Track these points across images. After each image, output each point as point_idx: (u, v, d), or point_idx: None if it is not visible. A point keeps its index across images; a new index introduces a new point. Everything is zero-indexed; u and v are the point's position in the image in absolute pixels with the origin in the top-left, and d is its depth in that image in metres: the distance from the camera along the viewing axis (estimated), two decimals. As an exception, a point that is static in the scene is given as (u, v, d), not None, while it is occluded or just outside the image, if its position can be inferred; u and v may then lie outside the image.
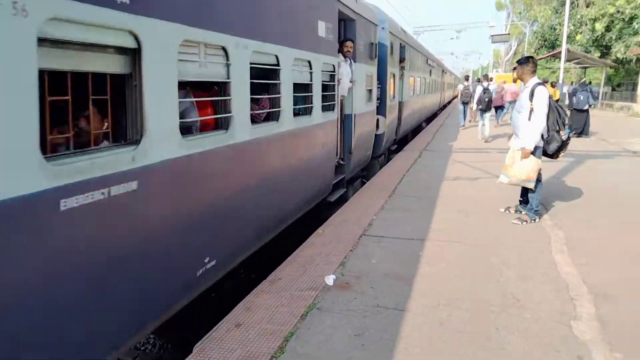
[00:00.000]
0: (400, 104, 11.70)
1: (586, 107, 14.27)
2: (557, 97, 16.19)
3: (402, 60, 11.30)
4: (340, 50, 6.37)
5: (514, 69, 5.65)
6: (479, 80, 16.95)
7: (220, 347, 2.96)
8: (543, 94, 5.11)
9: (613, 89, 34.36)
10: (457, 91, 18.35)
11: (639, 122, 20.13)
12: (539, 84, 5.23)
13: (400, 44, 11.18)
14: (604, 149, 11.86)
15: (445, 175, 8.63)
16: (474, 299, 3.61)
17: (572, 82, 19.56)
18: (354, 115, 6.99)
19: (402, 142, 13.39)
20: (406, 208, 6.38)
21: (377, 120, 9.05)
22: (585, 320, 3.25)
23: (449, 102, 34.26)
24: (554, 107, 5.13)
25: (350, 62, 6.67)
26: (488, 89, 14.02)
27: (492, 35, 31.85)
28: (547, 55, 28.81)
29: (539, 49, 34.86)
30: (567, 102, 16.28)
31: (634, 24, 25.45)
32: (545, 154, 5.29)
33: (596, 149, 11.81)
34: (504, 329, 3.15)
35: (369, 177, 8.74)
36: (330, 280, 3.93)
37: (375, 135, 8.98)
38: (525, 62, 5.39)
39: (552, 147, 5.16)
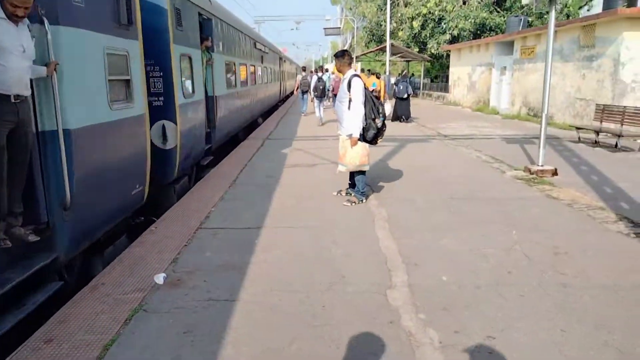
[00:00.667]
0: (213, 100, 8.75)
1: (405, 95, 16.43)
2: (383, 88, 18.07)
3: (206, 38, 8.39)
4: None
5: (334, 55, 5.92)
6: (315, 71, 18.37)
7: (25, 369, 2.60)
8: (359, 84, 5.54)
9: (431, 80, 38.98)
10: (297, 81, 19.44)
11: (451, 109, 23.18)
12: (355, 75, 5.64)
13: (201, 13, 8.04)
14: (423, 133, 13.40)
15: (285, 162, 8.86)
16: (304, 281, 3.76)
17: (398, 74, 21.77)
18: (63, 132, 3.51)
19: (228, 146, 10.74)
20: (245, 197, 6.40)
21: (163, 128, 6.14)
22: (398, 288, 3.63)
23: (292, 93, 35.05)
24: (369, 98, 5.58)
25: (27, 25, 3.28)
26: (322, 79, 15.90)
27: (325, 28, 33.63)
28: (375, 49, 31.42)
29: (368, 42, 37.85)
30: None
31: (442, 24, 29.17)
32: (364, 140, 5.74)
33: (416, 133, 13.29)
34: (330, 306, 3.35)
35: (163, 211, 5.81)
36: (160, 279, 3.74)
37: (161, 152, 6.06)
38: (342, 55, 5.77)
39: (370, 134, 5.62)
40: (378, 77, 17.76)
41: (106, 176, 4.30)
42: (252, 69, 14.20)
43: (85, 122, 3.89)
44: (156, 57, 5.99)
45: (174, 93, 6.26)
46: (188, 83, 7.14)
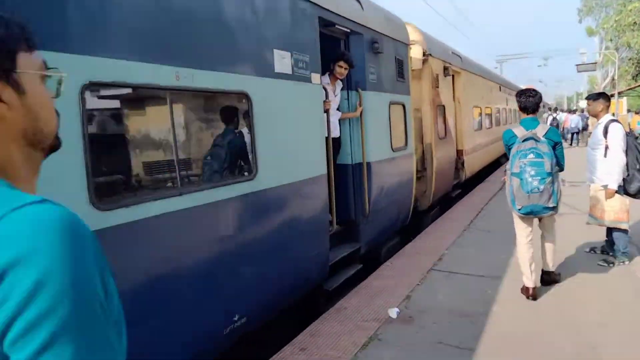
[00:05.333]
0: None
1: None
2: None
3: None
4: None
5: (587, 98, 5.30)
6: (555, 110, 22.50)
7: (284, 369, 3.13)
8: (618, 131, 4.86)
9: None
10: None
11: None
12: (613, 120, 4.98)
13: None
14: None
15: (524, 210, 8.28)
16: (543, 345, 3.46)
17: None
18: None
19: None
20: (480, 243, 6.24)
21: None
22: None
23: None
24: (632, 145, 4.83)
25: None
26: (556, 118, 19.77)
27: (577, 65, 30.11)
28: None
29: (636, 76, 32.31)
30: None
31: None
32: (625, 193, 4.96)
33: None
34: (574, 378, 3.01)
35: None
36: (393, 313, 3.98)
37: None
38: (597, 98, 5.16)
39: (634, 187, 4.82)
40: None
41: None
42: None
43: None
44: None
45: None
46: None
